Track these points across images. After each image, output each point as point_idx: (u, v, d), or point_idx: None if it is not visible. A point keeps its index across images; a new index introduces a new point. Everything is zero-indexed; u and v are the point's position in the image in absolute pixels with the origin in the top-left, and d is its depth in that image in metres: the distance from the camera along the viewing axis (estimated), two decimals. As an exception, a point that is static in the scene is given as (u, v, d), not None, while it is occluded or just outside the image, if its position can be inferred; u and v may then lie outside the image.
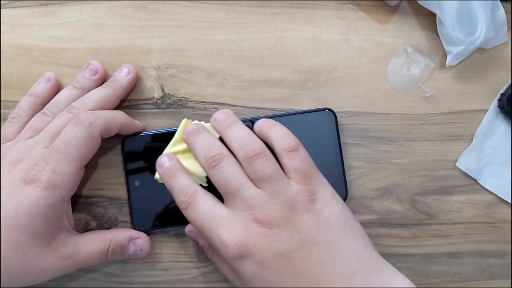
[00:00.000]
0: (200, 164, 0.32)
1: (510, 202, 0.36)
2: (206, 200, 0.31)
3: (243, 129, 0.32)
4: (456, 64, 0.36)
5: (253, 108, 0.36)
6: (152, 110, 0.36)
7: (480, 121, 0.36)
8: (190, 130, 0.33)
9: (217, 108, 0.36)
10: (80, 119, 0.31)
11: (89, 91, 0.35)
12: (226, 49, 0.37)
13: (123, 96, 0.36)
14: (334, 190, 0.31)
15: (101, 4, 0.37)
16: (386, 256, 0.36)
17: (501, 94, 0.36)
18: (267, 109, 0.36)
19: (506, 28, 0.35)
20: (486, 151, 0.36)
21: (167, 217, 0.35)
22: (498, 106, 0.36)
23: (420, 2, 0.35)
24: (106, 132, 0.33)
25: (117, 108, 0.36)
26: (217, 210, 0.30)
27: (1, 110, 0.36)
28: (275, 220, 0.29)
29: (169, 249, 0.36)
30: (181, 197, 0.31)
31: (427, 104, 0.36)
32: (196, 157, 0.32)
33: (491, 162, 0.36)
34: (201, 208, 0.30)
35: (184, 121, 0.34)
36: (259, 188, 0.30)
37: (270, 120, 0.33)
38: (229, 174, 0.30)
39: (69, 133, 0.31)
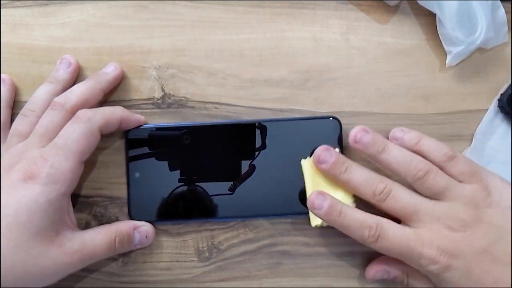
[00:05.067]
0: (367, 199, 0.32)
1: (510, 202, 0.36)
2: (393, 227, 0.31)
3: (398, 150, 0.32)
4: (456, 64, 0.36)
5: (253, 108, 0.36)
6: (153, 110, 0.36)
7: (480, 121, 0.36)
8: (333, 161, 0.32)
9: (217, 108, 0.36)
10: (79, 116, 0.32)
11: (65, 84, 0.35)
12: (226, 49, 0.37)
13: (107, 90, 0.35)
14: (500, 176, 0.32)
15: (102, 4, 0.37)
16: (386, 255, 0.36)
17: (501, 94, 0.36)
18: (267, 109, 0.36)
19: (506, 28, 0.35)
20: (486, 151, 0.36)
21: (166, 210, 0.35)
22: (498, 106, 0.36)
23: (420, 2, 0.35)
24: (106, 127, 0.33)
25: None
26: (408, 232, 0.31)
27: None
28: (466, 222, 0.30)
29: (169, 248, 0.36)
30: (366, 232, 0.31)
31: (427, 104, 0.36)
32: (358, 193, 0.32)
33: (491, 162, 0.36)
34: (393, 236, 0.31)
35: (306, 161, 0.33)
36: (436, 200, 0.31)
37: (414, 132, 0.34)
38: (402, 198, 0.31)
39: (68, 129, 0.31)
